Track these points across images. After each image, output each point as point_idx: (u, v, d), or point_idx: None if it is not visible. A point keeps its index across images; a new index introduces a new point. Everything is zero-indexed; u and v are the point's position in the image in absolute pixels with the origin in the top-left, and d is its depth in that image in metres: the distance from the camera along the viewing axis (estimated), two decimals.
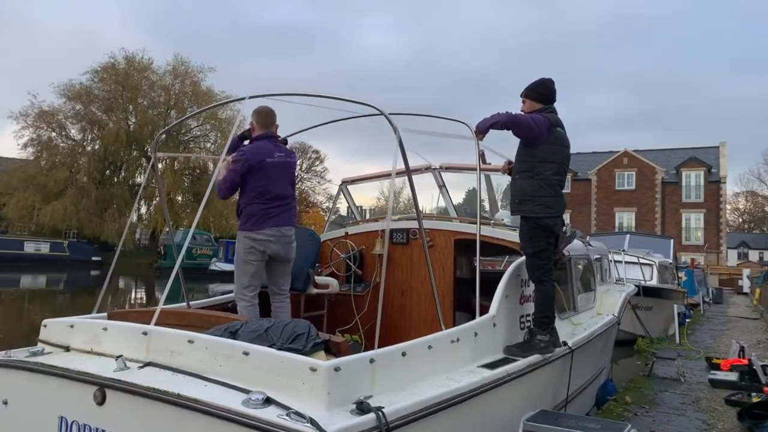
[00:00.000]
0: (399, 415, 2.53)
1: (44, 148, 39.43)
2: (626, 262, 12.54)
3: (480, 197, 4.83)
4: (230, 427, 2.29)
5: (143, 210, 41.63)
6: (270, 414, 2.28)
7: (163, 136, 36.06)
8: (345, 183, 6.79)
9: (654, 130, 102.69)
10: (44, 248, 36.29)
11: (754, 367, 7.76)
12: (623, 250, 13.02)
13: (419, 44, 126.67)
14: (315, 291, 5.19)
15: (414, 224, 5.25)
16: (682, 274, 19.28)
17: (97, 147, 40.33)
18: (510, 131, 4.19)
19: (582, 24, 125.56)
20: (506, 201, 6.35)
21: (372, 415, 2.39)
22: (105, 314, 3.73)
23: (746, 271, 35.03)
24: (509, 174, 4.59)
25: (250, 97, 3.79)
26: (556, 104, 4.45)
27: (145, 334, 2.98)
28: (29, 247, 35.86)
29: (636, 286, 9.95)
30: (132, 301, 22.34)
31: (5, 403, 3.08)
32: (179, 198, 41.84)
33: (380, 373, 2.76)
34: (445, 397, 2.88)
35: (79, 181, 38.71)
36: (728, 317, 18.67)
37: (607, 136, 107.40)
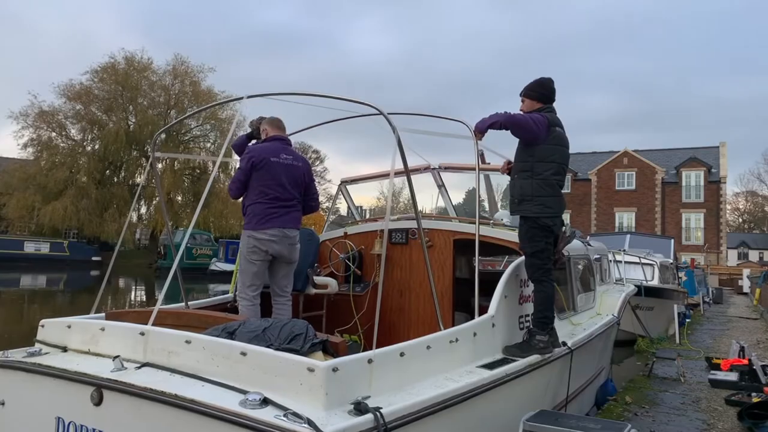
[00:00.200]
0: (397, 415, 2.52)
1: (44, 148, 39.38)
2: (627, 262, 12.54)
3: (479, 197, 4.82)
4: (227, 428, 2.28)
5: (143, 210, 41.73)
6: (267, 414, 2.27)
7: (163, 135, 36.10)
8: (344, 183, 6.79)
9: (654, 131, 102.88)
10: (44, 248, 36.30)
11: (754, 367, 7.76)
12: (624, 250, 13.01)
13: (412, 46, 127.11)
14: (314, 291, 5.18)
15: (413, 224, 5.25)
16: (682, 275, 19.27)
17: (97, 147, 40.28)
18: (509, 131, 4.18)
19: (580, 24, 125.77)
20: (506, 201, 6.34)
21: (370, 416, 2.38)
22: (103, 314, 3.72)
23: (746, 271, 35.00)
24: (508, 174, 4.58)
25: (248, 97, 3.79)
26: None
27: (142, 334, 2.97)
28: (29, 247, 35.87)
29: (637, 286, 9.95)
30: (132, 302, 22.34)
31: (2, 403, 3.07)
32: (179, 198, 41.83)
33: (378, 373, 2.74)
34: (443, 398, 2.87)
35: (79, 181, 38.69)
36: (728, 317, 18.66)
37: (606, 137, 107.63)
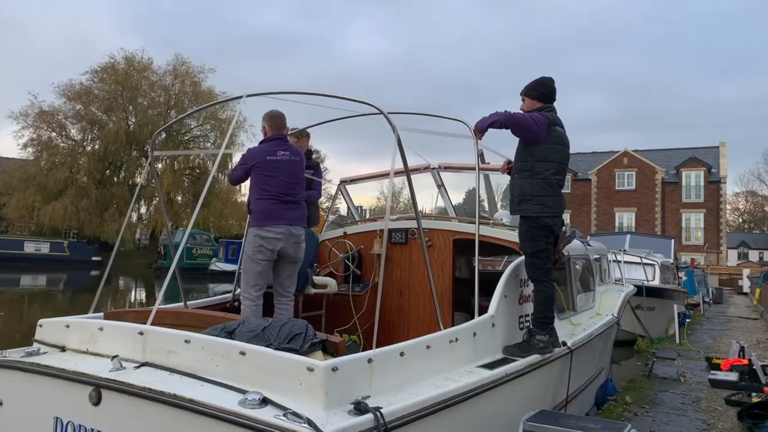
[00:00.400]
0: (397, 415, 2.51)
1: (44, 148, 39.38)
2: (628, 263, 12.51)
3: (479, 197, 4.81)
4: (227, 428, 2.27)
5: (143, 210, 41.72)
6: (267, 414, 2.26)
7: (162, 134, 36.07)
8: (344, 183, 6.78)
9: (654, 131, 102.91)
10: (44, 248, 36.27)
11: (754, 367, 7.75)
12: (624, 250, 13.00)
13: (412, 47, 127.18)
14: (313, 291, 5.17)
15: (413, 224, 5.24)
16: (682, 275, 19.26)
17: (97, 147, 40.28)
18: (509, 130, 4.17)
19: (580, 25, 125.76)
20: (506, 201, 6.34)
21: (370, 416, 2.38)
22: (101, 314, 3.71)
23: (746, 271, 34.99)
24: (508, 173, 4.57)
25: (248, 96, 3.78)
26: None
27: (141, 334, 2.96)
28: (29, 247, 35.83)
29: (638, 286, 9.93)
30: (131, 302, 22.33)
31: (0, 403, 3.06)
32: (179, 198, 41.83)
33: (378, 373, 2.73)
34: (443, 398, 2.86)
35: (79, 181, 38.66)
36: (728, 317, 18.65)
37: (606, 137, 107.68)
